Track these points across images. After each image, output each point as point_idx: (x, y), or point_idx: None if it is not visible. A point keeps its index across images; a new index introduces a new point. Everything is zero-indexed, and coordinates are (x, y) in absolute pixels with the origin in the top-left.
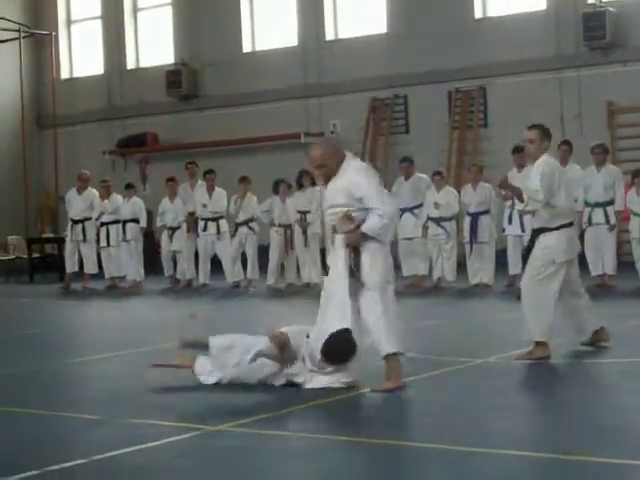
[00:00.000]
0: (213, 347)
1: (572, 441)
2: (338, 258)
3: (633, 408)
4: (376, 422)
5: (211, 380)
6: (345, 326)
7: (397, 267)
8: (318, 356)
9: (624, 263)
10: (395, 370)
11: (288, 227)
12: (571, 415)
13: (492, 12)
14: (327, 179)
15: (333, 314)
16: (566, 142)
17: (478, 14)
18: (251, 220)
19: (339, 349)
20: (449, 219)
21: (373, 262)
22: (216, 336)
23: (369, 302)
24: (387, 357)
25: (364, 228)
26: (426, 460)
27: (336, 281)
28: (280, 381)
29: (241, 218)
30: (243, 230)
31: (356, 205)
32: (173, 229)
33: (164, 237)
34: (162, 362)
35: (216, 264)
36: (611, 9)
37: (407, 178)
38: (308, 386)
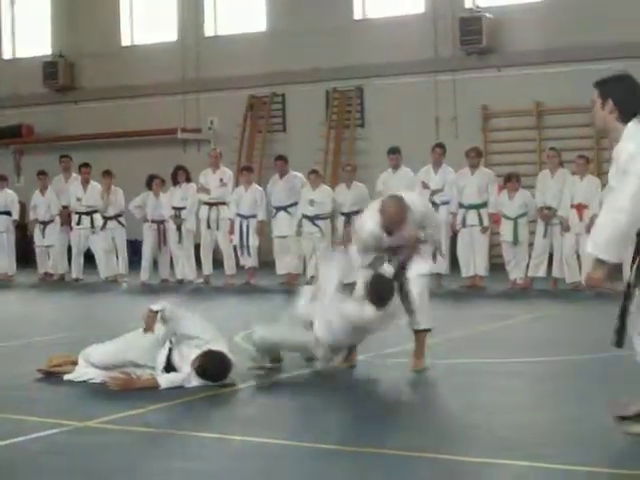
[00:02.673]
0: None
1: (435, 440)
2: None
3: (495, 407)
4: (242, 420)
5: (82, 378)
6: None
7: (272, 264)
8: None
9: (495, 265)
10: None
11: (161, 223)
12: (435, 414)
13: (371, 13)
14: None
15: None
16: (440, 145)
17: (357, 15)
18: (119, 215)
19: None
20: (324, 217)
21: None
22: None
23: None
24: None
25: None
26: (287, 458)
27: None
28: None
29: (110, 212)
30: (112, 224)
31: None
32: (45, 223)
33: (36, 231)
34: (46, 369)
35: (90, 258)
36: (488, 15)
37: (282, 176)
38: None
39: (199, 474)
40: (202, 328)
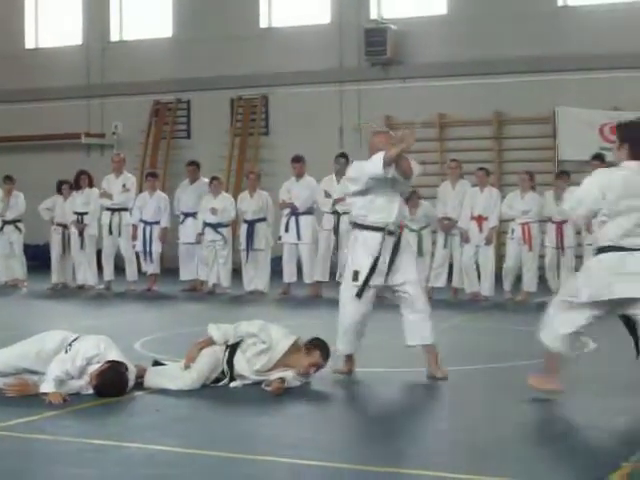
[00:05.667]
0: None
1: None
2: None
3: (393, 417)
4: (139, 427)
5: None
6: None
7: (174, 271)
8: None
9: None
10: None
11: (66, 227)
12: (324, 423)
13: (277, 23)
14: None
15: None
16: (343, 155)
17: (264, 24)
18: (18, 220)
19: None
20: (226, 225)
21: None
22: None
23: None
24: None
25: None
26: (182, 465)
27: None
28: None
29: (9, 217)
30: (9, 229)
31: None
32: None
33: None
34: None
35: None
36: (392, 26)
37: (192, 182)
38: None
39: None
40: (95, 343)
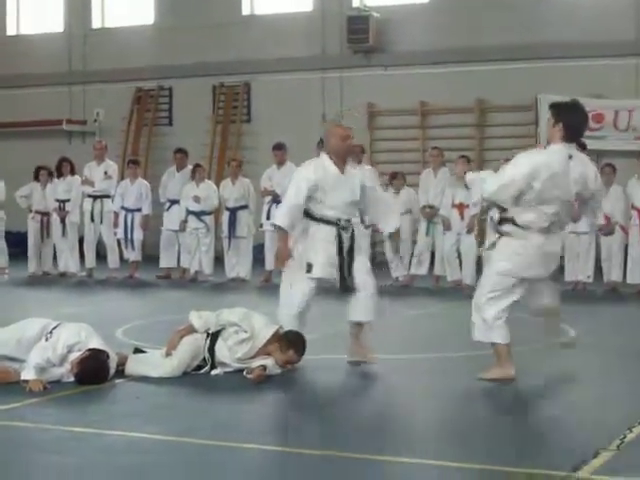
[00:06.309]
0: None
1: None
2: None
3: (366, 403)
4: (120, 415)
5: None
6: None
7: (156, 258)
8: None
9: (377, 262)
10: None
11: (45, 214)
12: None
13: (259, 10)
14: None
15: None
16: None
17: (246, 11)
18: None
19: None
20: (209, 213)
21: None
22: None
23: None
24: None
25: None
26: (161, 452)
27: None
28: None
29: None
30: None
31: None
32: None
33: None
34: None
35: None
36: (375, 14)
37: (179, 169)
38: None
39: (75, 469)
40: (76, 331)
